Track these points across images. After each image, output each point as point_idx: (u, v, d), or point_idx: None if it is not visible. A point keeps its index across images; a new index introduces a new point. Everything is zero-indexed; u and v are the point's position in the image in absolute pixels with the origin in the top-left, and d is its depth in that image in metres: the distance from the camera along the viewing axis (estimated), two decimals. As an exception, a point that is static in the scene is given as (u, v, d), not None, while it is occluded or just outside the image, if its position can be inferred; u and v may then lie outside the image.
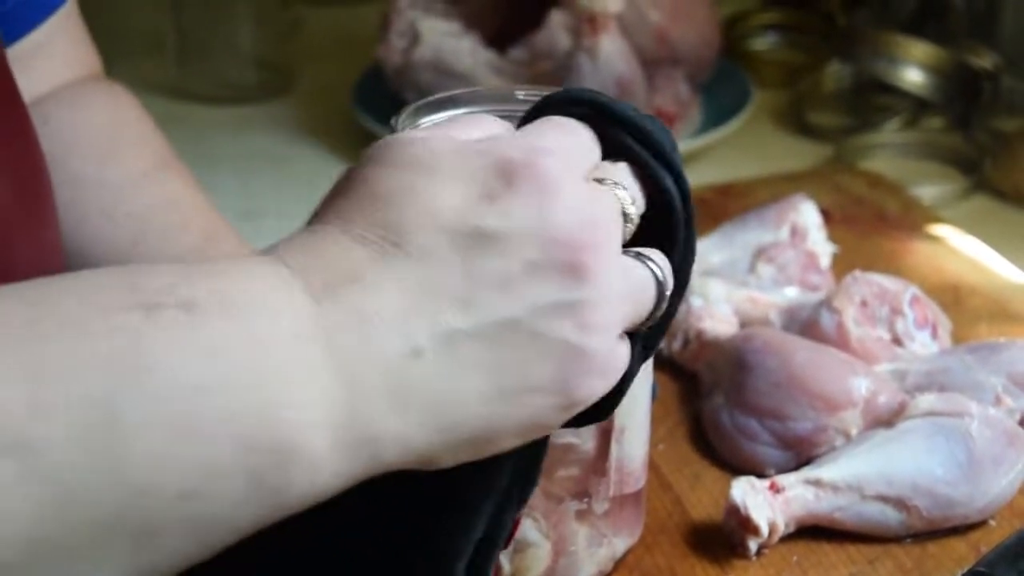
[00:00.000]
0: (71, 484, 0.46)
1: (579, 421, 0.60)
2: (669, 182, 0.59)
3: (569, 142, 0.57)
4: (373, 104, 1.35)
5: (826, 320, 0.90)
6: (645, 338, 0.60)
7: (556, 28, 1.29)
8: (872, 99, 1.40)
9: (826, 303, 0.92)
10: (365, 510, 0.58)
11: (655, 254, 0.58)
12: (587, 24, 1.23)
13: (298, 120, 1.43)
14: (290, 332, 0.51)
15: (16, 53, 0.83)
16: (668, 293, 0.58)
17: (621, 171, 0.58)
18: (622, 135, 0.59)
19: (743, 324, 0.95)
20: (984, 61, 1.38)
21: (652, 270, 0.57)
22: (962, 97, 1.36)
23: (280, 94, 1.49)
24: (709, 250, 1.02)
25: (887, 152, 1.33)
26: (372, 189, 0.56)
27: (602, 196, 0.56)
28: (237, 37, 1.50)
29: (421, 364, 0.52)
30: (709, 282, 0.98)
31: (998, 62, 1.38)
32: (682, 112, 1.32)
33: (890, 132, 1.35)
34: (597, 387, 0.56)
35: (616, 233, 0.56)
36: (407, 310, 0.52)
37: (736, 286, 0.98)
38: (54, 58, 0.92)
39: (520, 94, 0.72)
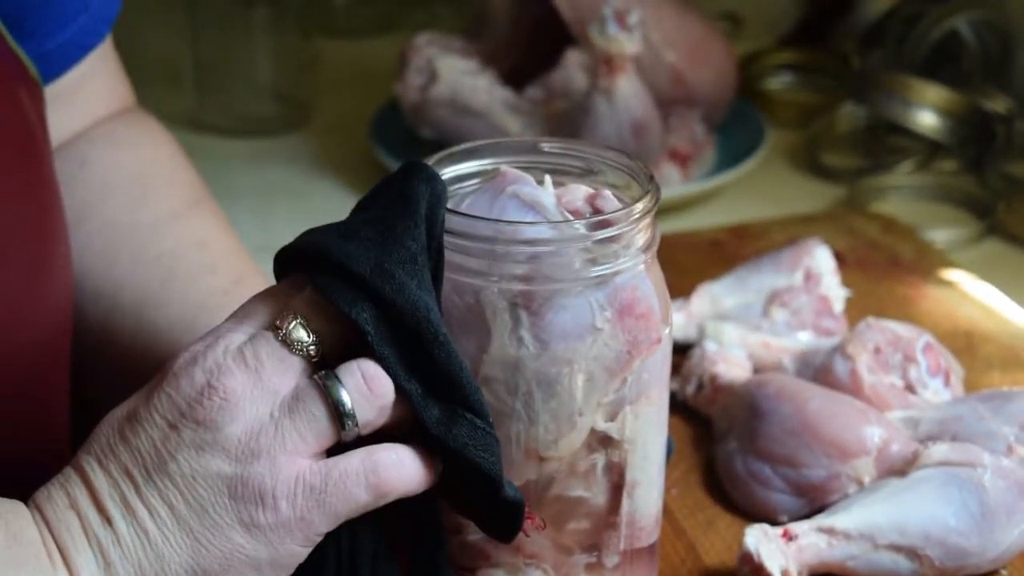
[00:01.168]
0: None
1: (501, 527, 0.65)
2: (356, 309, 0.60)
3: (227, 324, 0.63)
4: (390, 139, 1.35)
5: (839, 366, 0.90)
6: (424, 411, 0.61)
7: (573, 67, 1.29)
8: (886, 141, 1.40)
9: (840, 349, 0.91)
10: None
11: (341, 367, 0.61)
12: (604, 64, 1.23)
13: (316, 154, 1.43)
14: (39, 541, 0.59)
15: (55, 90, 0.83)
16: (346, 399, 0.59)
17: (309, 307, 0.61)
18: (316, 277, 0.62)
19: (757, 369, 0.95)
20: (997, 105, 1.39)
21: (321, 385, 0.60)
22: (975, 141, 1.36)
23: (298, 127, 1.50)
24: (723, 293, 1.03)
25: (900, 195, 1.33)
26: None
27: (244, 346, 0.61)
28: (255, 69, 1.50)
29: (115, 532, 0.59)
30: (723, 326, 0.98)
31: (1011, 106, 1.39)
32: (696, 153, 1.33)
33: (903, 174, 1.35)
34: (281, 507, 0.59)
35: (258, 372, 0.60)
36: (98, 493, 0.60)
37: (750, 330, 0.98)
38: (92, 93, 0.93)
39: (545, 146, 0.73)
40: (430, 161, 0.70)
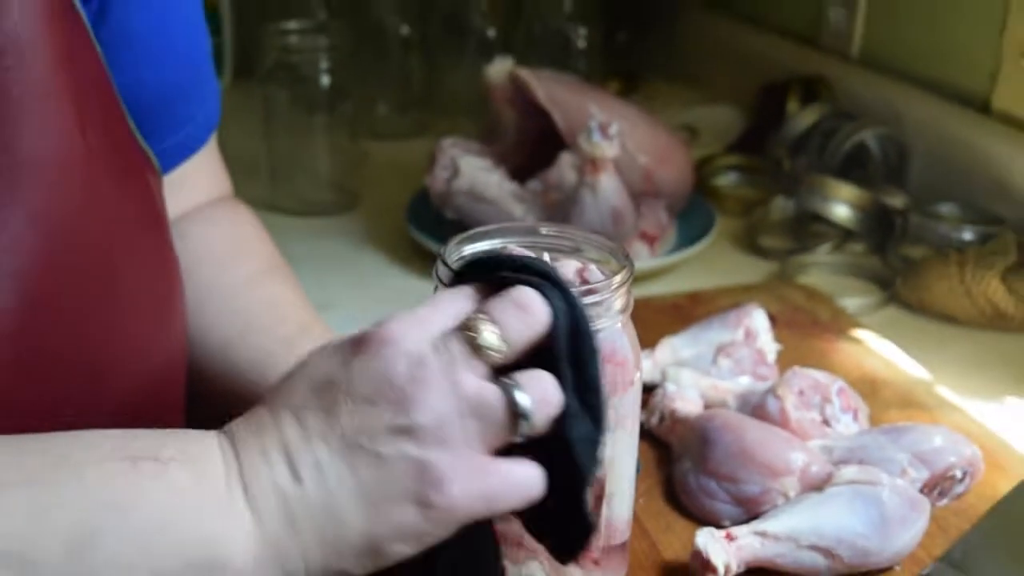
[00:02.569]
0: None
1: (567, 545, 0.62)
2: (557, 312, 0.57)
3: (425, 312, 0.58)
4: (422, 220, 1.34)
5: (771, 405, 0.89)
6: (572, 431, 0.57)
7: (565, 167, 1.28)
8: (809, 228, 1.39)
9: (772, 391, 0.90)
10: None
11: (523, 375, 0.56)
12: (590, 165, 1.22)
13: (363, 231, 1.43)
14: (223, 478, 0.55)
15: (170, 179, 0.83)
16: (526, 404, 0.55)
17: (504, 313, 0.57)
18: (507, 275, 0.59)
19: (706, 405, 0.94)
20: (896, 201, 1.38)
21: (505, 389, 0.55)
22: (878, 229, 1.36)
23: (349, 210, 1.49)
24: (680, 346, 1.02)
25: (820, 270, 1.32)
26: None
27: (438, 341, 0.56)
28: (316, 164, 1.51)
29: (303, 489, 0.55)
30: (680, 372, 0.97)
31: (907, 202, 1.38)
32: (661, 234, 1.31)
33: (822, 254, 1.34)
34: (455, 492, 0.55)
35: (451, 370, 0.55)
36: (290, 448, 0.56)
37: (701, 375, 0.97)
38: (195, 183, 0.92)
39: (543, 230, 0.72)
40: (452, 242, 0.68)
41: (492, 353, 0.56)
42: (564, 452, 0.57)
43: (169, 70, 0.81)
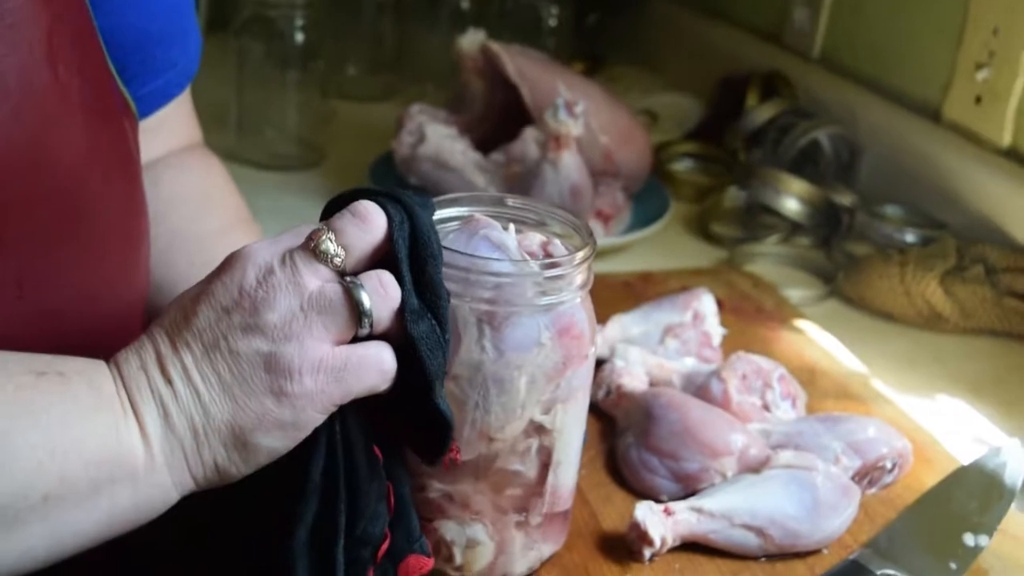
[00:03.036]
0: None
1: (430, 446, 0.64)
2: (397, 231, 0.61)
3: (280, 236, 0.62)
4: (384, 183, 1.32)
5: (715, 387, 0.90)
6: (413, 327, 0.60)
7: (528, 141, 1.27)
8: (759, 219, 1.38)
9: (716, 374, 0.91)
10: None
11: (369, 274, 0.60)
12: (553, 141, 1.21)
13: (326, 189, 1.40)
14: (113, 387, 0.59)
15: (145, 125, 0.82)
16: (366, 302, 0.59)
17: (342, 225, 0.61)
18: (364, 195, 0.63)
19: (652, 383, 0.94)
20: (844, 199, 1.38)
21: (349, 287, 0.59)
22: (825, 224, 1.36)
23: (314, 167, 1.48)
24: (630, 324, 1.02)
25: (767, 260, 1.32)
26: None
27: (285, 254, 0.60)
28: (284, 118, 1.49)
29: (173, 389, 0.59)
30: (628, 349, 0.96)
31: (855, 200, 1.38)
32: (616, 214, 1.31)
33: (770, 245, 1.34)
34: (308, 385, 0.59)
35: (294, 276, 0.59)
36: (162, 357, 0.60)
37: (649, 353, 0.97)
38: (170, 130, 0.91)
39: (509, 201, 0.73)
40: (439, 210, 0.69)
41: (333, 257, 0.59)
42: (411, 352, 0.60)
43: (153, 16, 0.80)
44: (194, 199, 0.91)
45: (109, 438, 0.57)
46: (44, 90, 0.65)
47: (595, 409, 0.92)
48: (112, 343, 0.73)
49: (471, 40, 1.38)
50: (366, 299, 0.59)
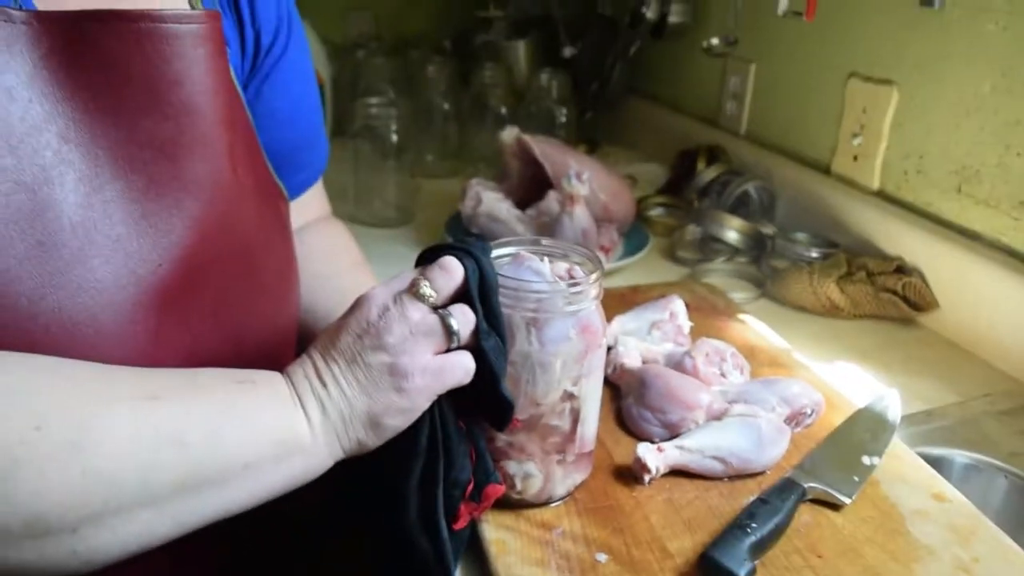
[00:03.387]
0: (198, 459, 0.54)
1: (499, 419, 0.65)
2: (471, 275, 0.61)
3: (391, 281, 0.63)
4: (455, 233, 1.32)
5: (687, 362, 0.88)
6: (485, 342, 0.61)
7: (551, 200, 1.27)
8: (710, 245, 1.37)
9: (688, 353, 0.89)
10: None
11: (454, 307, 0.61)
12: (568, 200, 1.20)
13: (416, 240, 1.40)
14: (287, 391, 0.59)
15: (292, 204, 0.83)
16: (455, 325, 0.60)
17: (432, 274, 0.61)
18: (444, 252, 0.63)
19: (644, 362, 0.93)
20: (768, 230, 1.37)
21: (441, 317, 0.60)
22: (756, 248, 1.34)
23: (407, 224, 1.47)
24: (627, 322, 0.99)
25: (717, 274, 1.30)
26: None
27: (396, 295, 0.61)
28: (386, 192, 1.48)
29: (327, 391, 0.59)
30: (627, 339, 0.95)
31: (775, 230, 1.37)
32: (613, 247, 1.29)
33: (719, 264, 1.32)
34: (418, 383, 0.59)
35: (403, 310, 0.60)
36: (319, 369, 0.60)
37: (641, 341, 0.96)
38: (309, 206, 0.92)
39: (543, 241, 0.73)
40: (493, 252, 0.69)
41: (428, 297, 0.60)
42: (484, 359, 0.61)
43: (297, 132, 0.81)
44: (326, 251, 0.91)
45: (286, 425, 0.58)
46: (228, 185, 0.65)
47: (607, 381, 0.91)
48: (275, 354, 0.73)
49: (509, 133, 1.37)
50: (454, 323, 0.60)
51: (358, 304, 0.62)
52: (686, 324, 1.00)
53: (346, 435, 0.60)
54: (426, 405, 0.61)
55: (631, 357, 0.92)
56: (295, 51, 0.78)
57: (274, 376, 0.60)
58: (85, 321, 0.56)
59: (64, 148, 0.56)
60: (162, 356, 0.61)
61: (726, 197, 1.45)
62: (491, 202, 1.27)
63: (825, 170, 1.39)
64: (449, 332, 0.60)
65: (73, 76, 0.57)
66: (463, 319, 0.61)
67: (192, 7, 0.67)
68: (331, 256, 0.91)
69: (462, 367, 0.61)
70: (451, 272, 0.61)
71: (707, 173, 1.51)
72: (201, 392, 0.56)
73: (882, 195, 1.28)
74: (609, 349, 0.93)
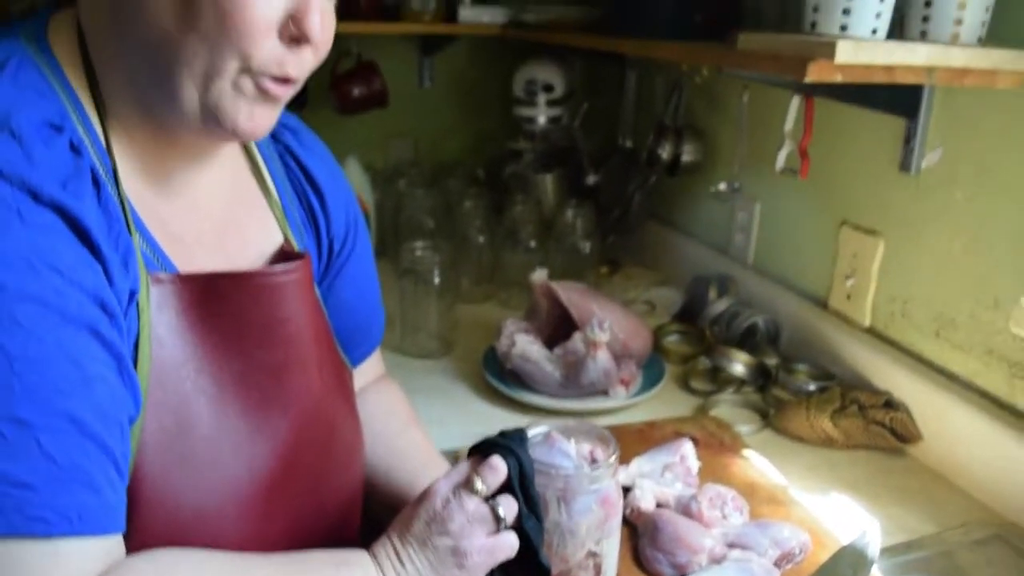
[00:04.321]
0: None
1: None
2: (512, 470, 0.74)
3: (450, 474, 0.75)
4: (491, 367, 1.42)
5: (693, 506, 0.99)
6: (526, 523, 0.74)
7: (577, 341, 1.36)
8: (720, 376, 1.45)
9: (694, 498, 1.00)
10: None
11: (501, 498, 0.73)
12: (592, 346, 1.32)
13: (455, 371, 1.49)
14: (374, 570, 0.71)
15: (354, 371, 0.96)
16: (502, 513, 0.72)
17: (483, 470, 0.74)
18: (491, 450, 0.75)
19: (657, 504, 1.03)
20: (772, 361, 1.47)
21: (491, 507, 0.73)
22: (761, 379, 1.44)
23: (447, 355, 1.56)
24: (643, 463, 1.09)
25: (726, 404, 1.39)
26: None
27: (455, 488, 0.73)
28: (428, 323, 1.57)
29: (406, 570, 0.72)
30: (643, 481, 1.04)
31: (779, 362, 1.47)
32: (632, 380, 1.39)
33: (727, 394, 1.41)
34: (476, 560, 0.71)
35: (462, 505, 0.72)
36: (398, 551, 0.73)
37: (655, 484, 1.05)
38: (369, 372, 1.02)
39: (570, 423, 0.85)
40: (526, 425, 0.81)
41: (480, 491, 0.73)
42: (525, 536, 0.74)
43: (362, 316, 0.95)
44: (384, 410, 1.00)
45: None
46: (316, 388, 0.80)
47: (626, 521, 1.01)
48: (349, 512, 0.84)
49: (539, 275, 1.49)
50: (501, 511, 0.73)
51: (426, 495, 0.73)
52: (695, 465, 1.11)
53: None
54: (490, 548, 0.72)
55: (647, 500, 1.02)
56: (360, 248, 0.93)
57: (363, 556, 0.72)
58: (214, 511, 0.69)
59: (199, 379, 0.69)
60: (270, 531, 0.74)
61: (736, 327, 1.58)
62: (523, 344, 1.39)
63: (823, 305, 1.53)
64: (497, 518, 0.72)
65: (206, 321, 0.70)
66: (508, 507, 0.72)
67: (286, 239, 0.82)
68: (389, 414, 0.99)
69: (509, 546, 0.73)
70: (497, 470, 0.73)
71: (718, 304, 1.64)
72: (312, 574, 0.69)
73: (873, 332, 1.42)
74: (628, 490, 1.04)
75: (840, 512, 1.12)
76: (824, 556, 0.96)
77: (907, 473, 1.23)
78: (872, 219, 1.42)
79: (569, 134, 2.10)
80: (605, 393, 1.38)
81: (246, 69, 0.65)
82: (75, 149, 0.63)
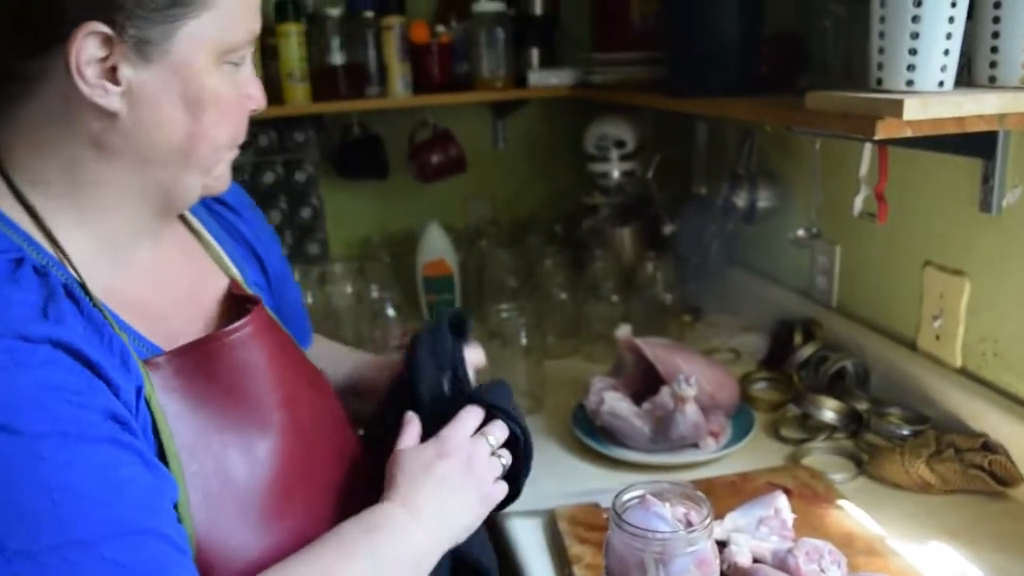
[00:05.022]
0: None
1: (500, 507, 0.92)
2: (516, 427, 0.92)
3: (470, 423, 0.90)
4: (581, 424, 1.45)
5: (790, 560, 1.00)
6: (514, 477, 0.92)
7: (665, 396, 1.39)
8: (810, 423, 1.46)
9: (790, 551, 1.00)
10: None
11: (502, 450, 0.91)
12: (679, 401, 1.34)
13: (547, 427, 1.52)
14: (401, 513, 0.81)
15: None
16: (504, 462, 0.91)
17: (494, 426, 0.91)
18: (498, 414, 0.92)
19: (754, 559, 1.03)
20: (862, 406, 1.46)
21: (498, 456, 0.90)
22: (852, 424, 1.44)
23: (538, 412, 1.59)
24: (737, 517, 1.09)
25: (818, 452, 1.39)
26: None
27: (474, 437, 0.89)
28: (517, 382, 1.59)
29: (427, 506, 0.83)
30: (739, 536, 1.05)
31: (869, 407, 1.46)
32: (722, 432, 1.40)
33: (818, 442, 1.41)
34: (494, 495, 0.89)
35: (481, 449, 0.88)
36: (415, 490, 0.84)
37: (750, 538, 1.06)
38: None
39: (664, 484, 0.90)
40: (624, 497, 0.87)
41: (491, 445, 0.90)
42: (517, 477, 0.93)
43: (297, 305, 1.11)
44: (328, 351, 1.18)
45: (411, 544, 0.80)
46: (308, 391, 0.90)
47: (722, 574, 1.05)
48: (359, 487, 0.90)
49: (623, 331, 1.54)
50: (506, 460, 0.92)
51: (443, 434, 0.87)
52: (789, 518, 1.11)
53: (451, 541, 0.84)
54: (490, 505, 0.89)
55: (743, 555, 1.03)
56: (279, 262, 1.04)
57: (386, 508, 0.81)
58: (278, 544, 0.77)
59: (224, 436, 0.75)
60: (312, 533, 0.80)
61: (823, 372, 1.58)
62: (612, 401, 1.42)
63: (911, 346, 1.53)
64: (501, 464, 0.91)
65: (207, 382, 0.76)
66: (508, 455, 0.92)
67: (233, 280, 0.90)
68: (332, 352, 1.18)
69: (502, 489, 0.91)
70: (504, 429, 0.92)
71: (805, 350, 1.64)
72: (357, 549, 0.77)
73: (965, 372, 1.42)
74: (724, 544, 1.06)
75: (940, 561, 1.12)
76: (926, 608, 0.97)
77: (1007, 517, 1.22)
78: (956, 259, 1.42)
79: (643, 186, 2.14)
80: (696, 446, 1.40)
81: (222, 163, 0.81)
82: (40, 273, 0.66)
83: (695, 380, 1.36)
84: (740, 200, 1.86)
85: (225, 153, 0.79)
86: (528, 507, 1.22)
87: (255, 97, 0.79)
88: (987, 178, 1.31)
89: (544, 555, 1.17)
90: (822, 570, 1.02)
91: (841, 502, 1.22)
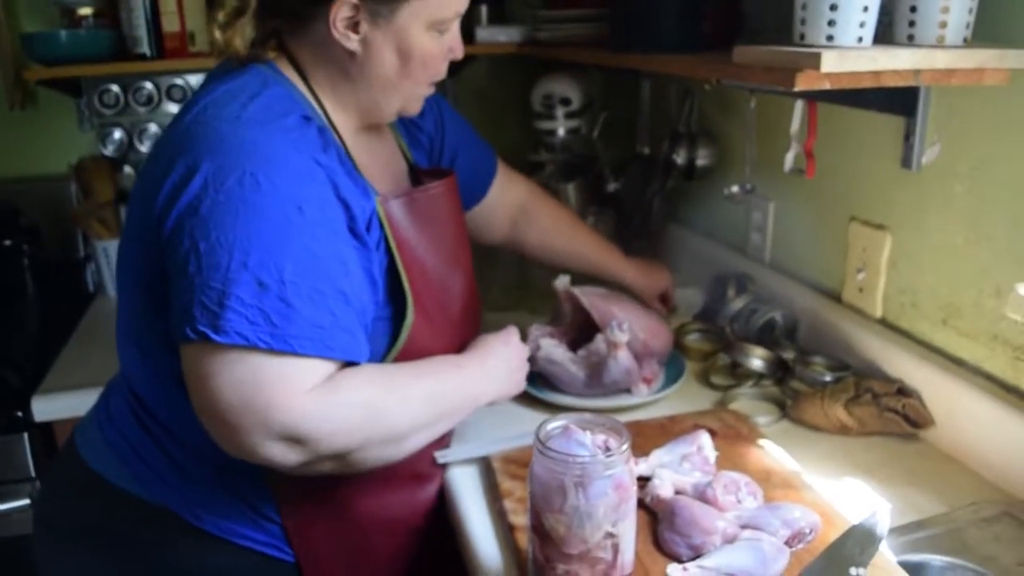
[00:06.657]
0: (448, 407, 1.10)
1: None
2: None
3: (516, 335, 1.22)
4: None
5: (709, 492, 1.04)
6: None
7: (599, 342, 1.41)
8: (738, 371, 1.51)
9: (710, 484, 1.05)
10: None
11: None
12: (612, 346, 1.38)
13: None
14: (474, 363, 1.16)
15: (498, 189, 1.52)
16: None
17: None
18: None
19: (676, 491, 1.07)
20: (789, 354, 1.52)
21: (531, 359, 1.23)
22: (779, 372, 1.49)
23: None
24: (662, 455, 1.15)
25: (744, 397, 1.45)
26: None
27: (519, 342, 1.23)
28: None
29: (493, 369, 1.16)
30: (662, 471, 1.10)
31: (796, 356, 1.53)
32: (655, 377, 1.45)
33: (746, 388, 1.47)
34: (517, 378, 1.21)
35: (522, 351, 1.22)
36: (484, 359, 1.17)
37: (673, 473, 1.10)
38: (510, 187, 1.57)
39: (586, 416, 0.92)
40: (548, 426, 0.90)
41: (528, 345, 1.23)
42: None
43: (473, 152, 1.47)
44: (553, 220, 1.64)
45: (478, 387, 1.14)
46: (467, 243, 1.26)
47: (647, 508, 1.08)
48: (474, 306, 1.27)
49: (561, 281, 1.55)
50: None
51: (503, 334, 1.22)
52: (712, 455, 1.16)
53: (502, 385, 1.17)
54: (513, 385, 1.21)
55: (665, 488, 1.08)
56: (448, 113, 1.38)
57: (465, 358, 1.14)
58: (450, 336, 1.17)
59: (435, 260, 1.15)
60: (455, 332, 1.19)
61: (754, 324, 1.64)
62: (548, 347, 1.45)
63: (837, 299, 1.59)
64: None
65: (419, 224, 1.11)
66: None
67: (405, 158, 1.28)
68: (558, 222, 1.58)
69: (523, 382, 1.24)
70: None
71: (737, 302, 1.70)
72: (442, 372, 1.09)
73: (884, 323, 1.48)
74: (647, 479, 1.11)
75: (852, 495, 1.18)
76: (834, 536, 0.99)
77: (920, 457, 1.29)
78: (879, 214, 1.48)
79: (588, 144, 2.17)
80: (628, 391, 1.44)
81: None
82: (320, 131, 0.98)
83: (628, 326, 1.40)
84: (680, 158, 1.91)
85: (423, 88, 1.11)
86: (467, 455, 1.26)
87: (455, 50, 1.10)
88: (908, 135, 1.37)
89: (479, 495, 1.21)
90: (739, 500, 1.06)
91: (762, 442, 1.27)
